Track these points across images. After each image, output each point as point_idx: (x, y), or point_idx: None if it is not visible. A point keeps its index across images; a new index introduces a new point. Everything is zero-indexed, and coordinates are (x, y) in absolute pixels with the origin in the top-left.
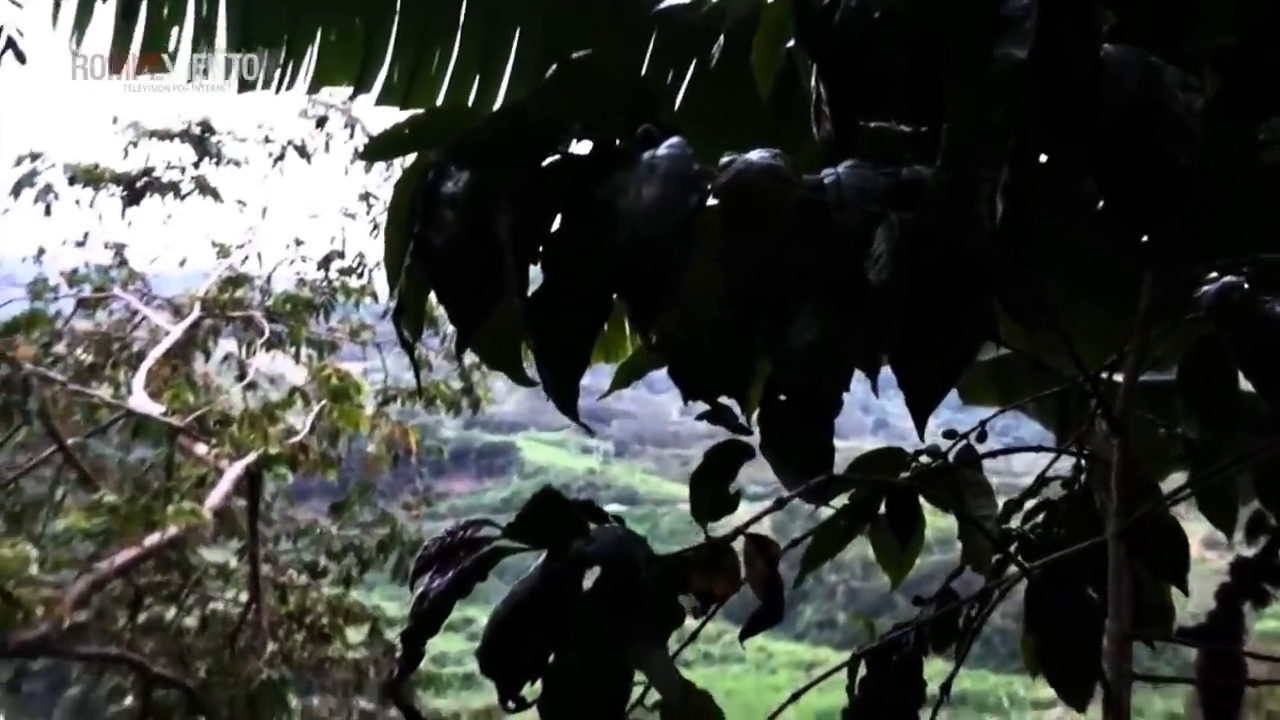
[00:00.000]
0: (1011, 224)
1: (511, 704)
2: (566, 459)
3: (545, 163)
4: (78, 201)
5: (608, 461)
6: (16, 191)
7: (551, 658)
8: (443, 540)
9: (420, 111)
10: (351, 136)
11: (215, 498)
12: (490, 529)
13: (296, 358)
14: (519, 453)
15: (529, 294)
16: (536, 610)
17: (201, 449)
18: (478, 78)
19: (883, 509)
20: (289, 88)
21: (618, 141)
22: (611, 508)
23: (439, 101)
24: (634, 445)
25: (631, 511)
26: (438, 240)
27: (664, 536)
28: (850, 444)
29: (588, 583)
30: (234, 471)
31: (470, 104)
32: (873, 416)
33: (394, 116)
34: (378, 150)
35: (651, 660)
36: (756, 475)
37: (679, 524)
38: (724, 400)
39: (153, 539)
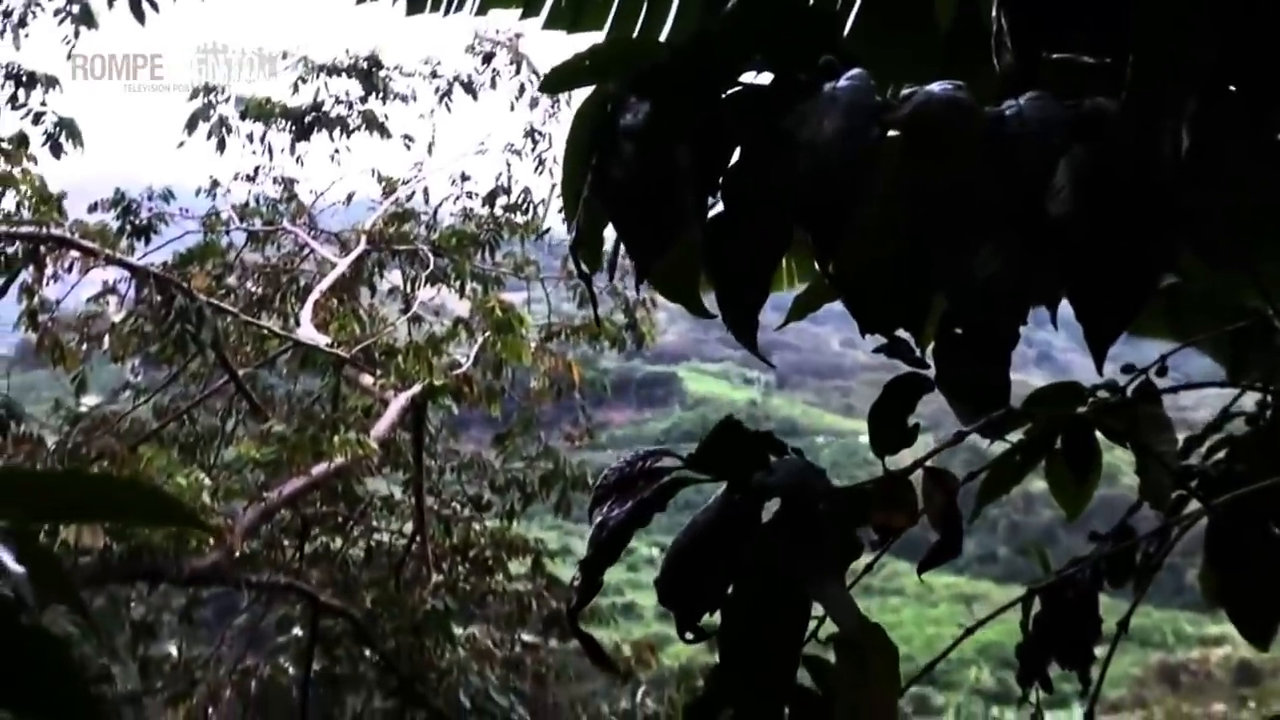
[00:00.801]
0: (1199, 158)
1: (690, 634)
2: (728, 390)
3: (726, 94)
4: (249, 136)
5: (769, 393)
6: (192, 125)
7: (730, 589)
8: (622, 470)
9: (600, 42)
10: (517, 72)
11: (380, 428)
12: (670, 459)
13: (461, 291)
14: (680, 383)
15: (708, 226)
16: (717, 541)
17: (367, 380)
18: (646, 2)
19: (1059, 443)
20: (457, 9)
21: (799, 73)
22: None
23: (607, 27)
24: (794, 377)
25: (791, 442)
26: (617, 172)
27: (825, 469)
28: (1016, 377)
29: (767, 515)
30: (399, 402)
31: (638, 30)
32: (1035, 349)
33: (562, 50)
34: (557, 81)
35: (830, 593)
36: (922, 408)
37: (839, 456)
38: (900, 334)
39: (320, 469)
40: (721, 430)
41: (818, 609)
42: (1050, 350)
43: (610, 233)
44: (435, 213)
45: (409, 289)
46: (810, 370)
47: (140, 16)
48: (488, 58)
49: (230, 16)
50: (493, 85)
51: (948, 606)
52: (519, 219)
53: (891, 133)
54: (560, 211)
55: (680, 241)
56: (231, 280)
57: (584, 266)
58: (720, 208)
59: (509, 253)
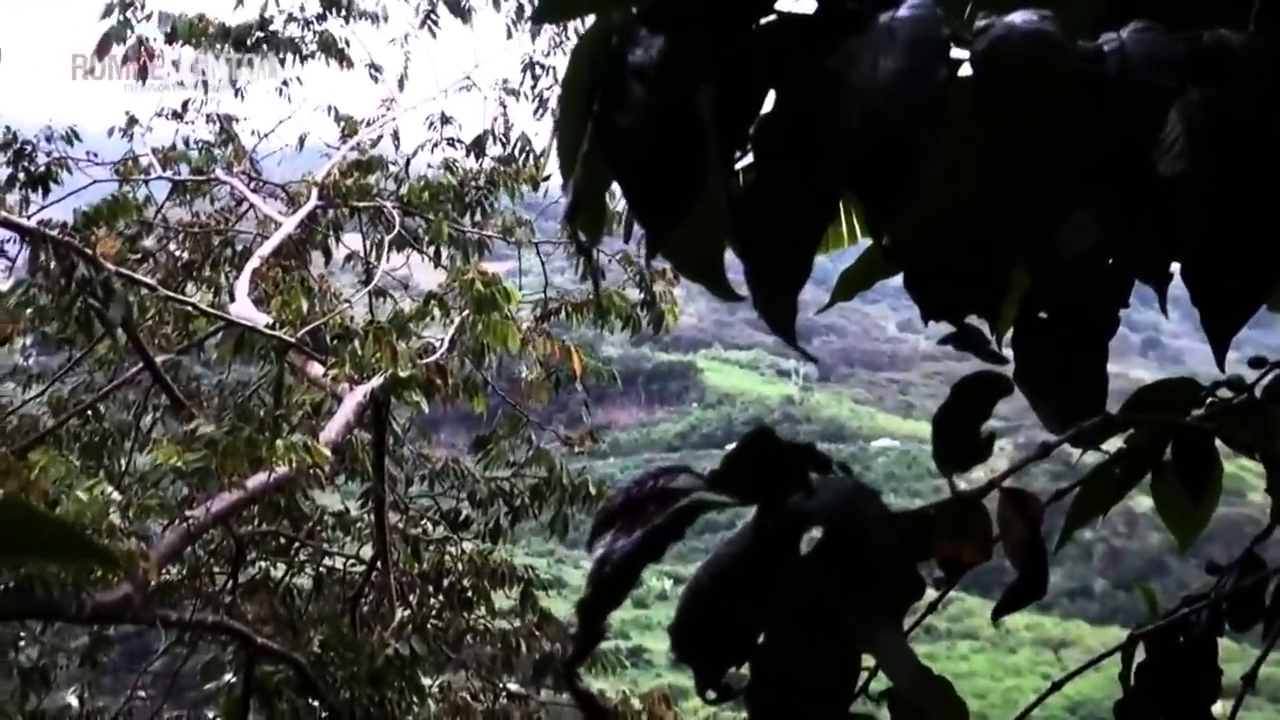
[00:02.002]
0: None
1: (712, 693)
2: (757, 384)
3: (758, 24)
4: (176, 63)
5: (808, 387)
6: (104, 49)
7: (762, 637)
8: (628, 491)
9: None
10: None
11: (333, 430)
12: (687, 478)
13: (436, 260)
14: (699, 375)
15: (736, 188)
16: (746, 578)
17: (317, 370)
18: None
19: (1168, 454)
20: None
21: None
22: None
23: None
24: (840, 367)
25: (838, 450)
26: (624, 121)
27: (878, 482)
28: (1115, 368)
29: (806, 546)
30: (355, 398)
31: None
32: (1140, 335)
33: None
34: (552, 7)
35: (883, 641)
36: (996, 408)
37: (896, 467)
38: (972, 320)
39: (257, 480)
40: (751, 442)
41: (869, 659)
42: (1159, 335)
43: (617, 195)
44: (408, 163)
45: (371, 256)
46: (861, 360)
47: None
48: None
49: None
50: (495, 4)
51: (1030, 653)
52: (511, 170)
53: (963, 73)
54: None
55: (701, 206)
56: (150, 242)
57: (583, 236)
58: (751, 165)
59: (497, 211)
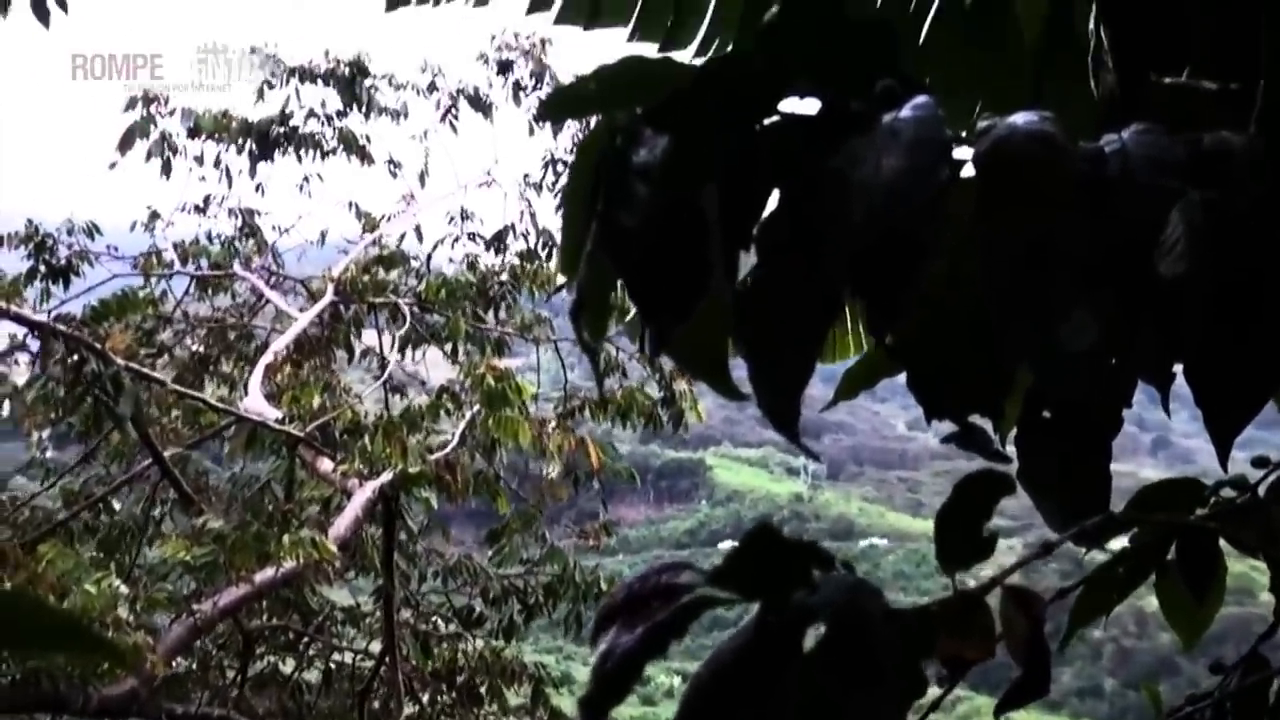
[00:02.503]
0: None
1: None
2: (766, 482)
3: (762, 125)
4: (199, 158)
5: (818, 486)
6: (127, 143)
7: None
8: (631, 588)
9: (609, 61)
10: (538, 85)
11: (342, 525)
12: (690, 575)
13: (454, 356)
14: (708, 473)
15: (740, 287)
16: (749, 674)
17: (327, 465)
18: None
19: (1172, 553)
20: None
21: (852, 101)
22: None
23: (629, 27)
24: (850, 466)
25: (847, 548)
26: (628, 220)
27: (886, 581)
28: (1124, 467)
29: (810, 643)
30: (365, 493)
31: (666, 31)
32: (1151, 434)
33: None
34: (559, 107)
35: None
36: (1002, 505)
37: (904, 564)
38: (976, 419)
39: (266, 575)
40: (754, 538)
41: None
42: (1168, 435)
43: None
44: (429, 258)
45: (390, 351)
46: (869, 458)
47: (44, 18)
48: (504, 67)
49: (238, 14)
50: (515, 99)
51: None
52: (533, 267)
53: (965, 173)
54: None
55: (705, 305)
56: (166, 336)
57: (587, 335)
58: (754, 264)
59: (517, 307)
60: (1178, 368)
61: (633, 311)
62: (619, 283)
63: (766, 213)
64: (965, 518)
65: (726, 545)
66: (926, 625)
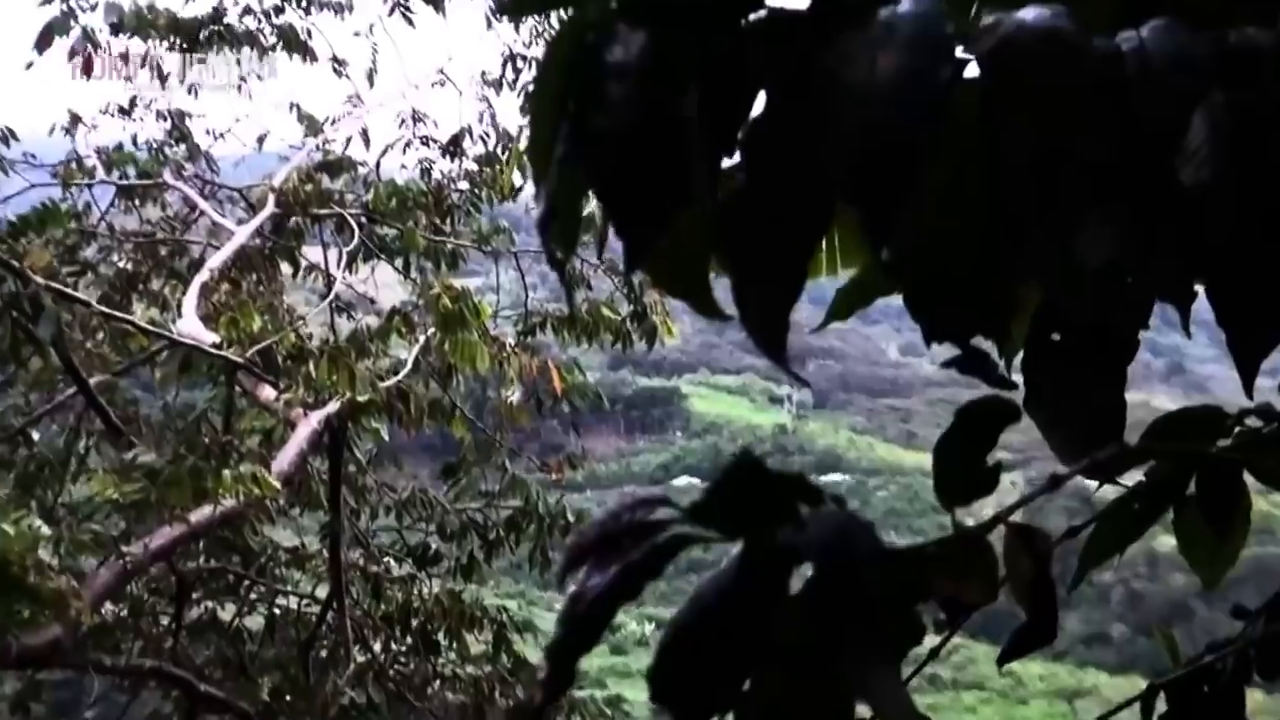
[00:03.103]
0: None
1: None
2: (747, 411)
3: (748, 20)
4: (124, 56)
5: (803, 415)
6: (45, 41)
7: (747, 684)
8: (603, 525)
9: None
10: None
11: (285, 459)
12: (667, 510)
13: (405, 271)
14: (683, 402)
15: (723, 197)
16: (730, 618)
17: (269, 393)
18: None
19: (1192, 488)
20: None
21: None
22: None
23: None
24: (838, 394)
25: (834, 482)
26: (602, 124)
27: (877, 517)
28: (1135, 396)
29: (796, 585)
30: (310, 424)
31: None
32: (1163, 359)
33: None
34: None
35: (880, 688)
36: (1005, 437)
37: (898, 500)
38: (979, 342)
39: (203, 513)
40: (736, 471)
41: (864, 709)
42: (1183, 360)
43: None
44: (378, 164)
45: (337, 267)
46: (859, 385)
47: None
48: None
49: None
50: None
51: (1042, 704)
52: (492, 173)
53: (969, 74)
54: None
55: (684, 218)
56: (91, 253)
57: (556, 250)
58: (739, 173)
59: (474, 218)
60: (1199, 286)
61: (600, 222)
62: (591, 192)
63: (752, 116)
64: (966, 448)
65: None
66: (923, 566)
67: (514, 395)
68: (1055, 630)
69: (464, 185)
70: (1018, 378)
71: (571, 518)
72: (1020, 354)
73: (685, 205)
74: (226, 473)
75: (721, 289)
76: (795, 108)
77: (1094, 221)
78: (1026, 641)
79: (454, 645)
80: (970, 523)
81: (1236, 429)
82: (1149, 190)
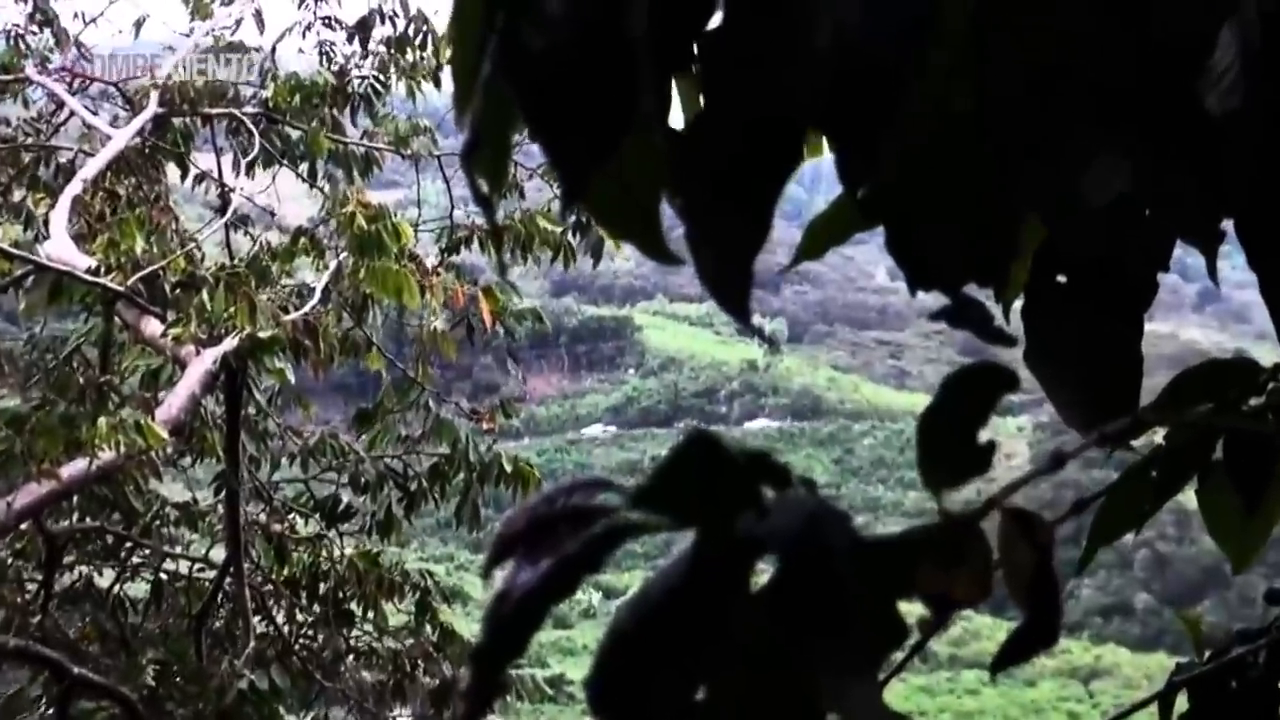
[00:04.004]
0: None
1: None
2: (711, 345)
3: None
4: None
5: (776, 350)
6: None
7: (701, 695)
8: (534, 512)
9: None
10: None
11: (174, 405)
12: (609, 495)
13: (311, 179)
14: (637, 334)
15: (674, 127)
16: (681, 620)
17: (154, 327)
18: None
19: (1219, 452)
20: None
21: None
22: (778, 425)
23: None
24: (817, 325)
25: (814, 428)
26: (535, 40)
27: (863, 469)
28: (1163, 327)
29: (758, 581)
30: (203, 364)
31: None
32: (1196, 285)
33: None
34: None
35: (855, 697)
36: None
37: (886, 449)
38: (972, 289)
39: (77, 466)
40: (688, 449)
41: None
42: (1217, 286)
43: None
44: (274, 50)
45: (232, 177)
46: (842, 316)
47: None
48: None
49: None
50: None
51: (1053, 685)
52: (406, 59)
53: None
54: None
55: (631, 147)
56: None
57: (483, 183)
58: (696, 95)
59: (389, 118)
60: (1227, 224)
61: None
62: (522, 118)
63: (708, 29)
64: (956, 423)
65: (670, 430)
66: (907, 558)
67: (437, 321)
68: (1057, 631)
69: (370, 70)
70: (1018, 328)
71: (507, 466)
72: (1020, 301)
73: (629, 132)
74: (104, 420)
75: (674, 226)
76: (759, 21)
77: (1102, 150)
78: (1024, 646)
79: (370, 615)
80: (959, 505)
81: (1270, 384)
82: (1168, 116)
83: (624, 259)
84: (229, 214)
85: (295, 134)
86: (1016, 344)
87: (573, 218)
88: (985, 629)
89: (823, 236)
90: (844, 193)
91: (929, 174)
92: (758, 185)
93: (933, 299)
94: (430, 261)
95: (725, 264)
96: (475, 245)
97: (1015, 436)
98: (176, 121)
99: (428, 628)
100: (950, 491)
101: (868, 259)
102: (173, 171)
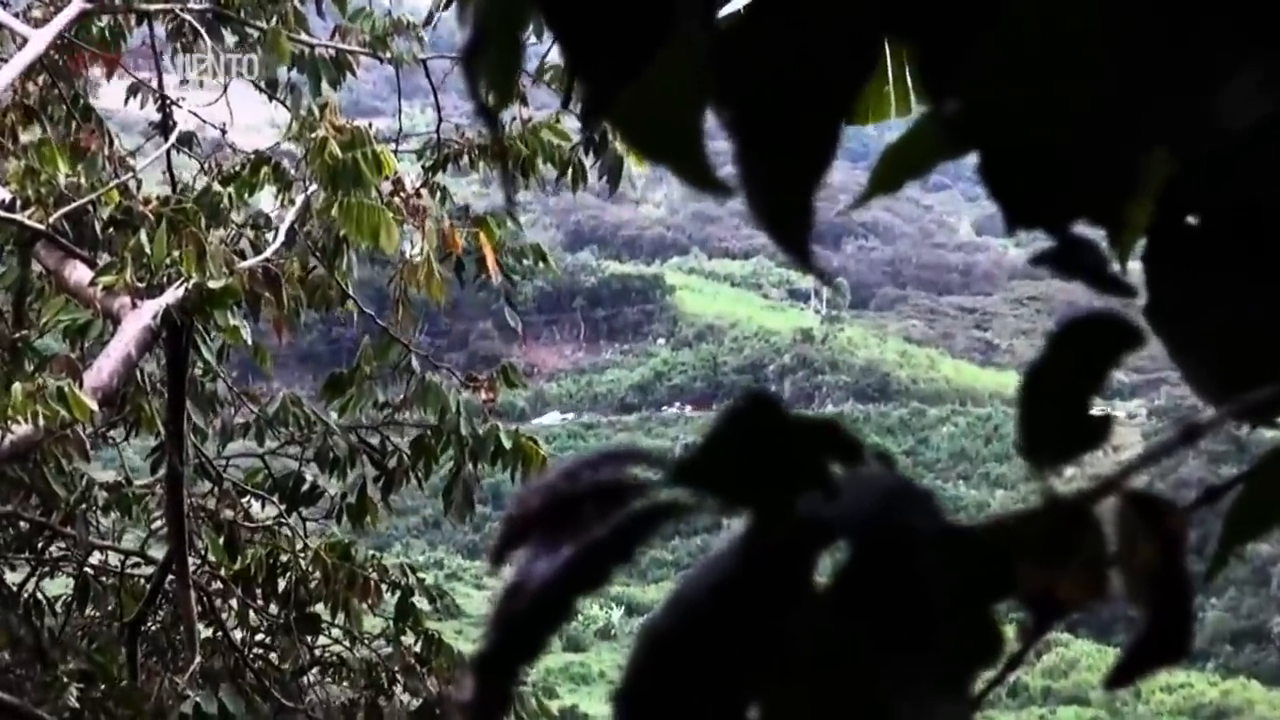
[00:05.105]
0: None
1: None
2: (757, 310)
3: None
4: None
5: (836, 316)
6: None
7: (754, 711)
8: (554, 489)
9: None
10: None
11: (105, 369)
12: (645, 468)
13: (271, 92)
14: (668, 297)
15: (722, 28)
16: (731, 623)
17: (82, 274)
18: None
19: None
20: None
21: None
22: (838, 409)
23: None
24: (885, 288)
25: (881, 413)
26: None
27: (941, 462)
28: None
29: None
30: (141, 319)
31: None
32: None
33: None
34: None
35: (940, 717)
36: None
37: (967, 438)
38: (1081, 228)
39: None
40: (741, 414)
41: None
42: None
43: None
44: None
45: (174, 88)
46: (916, 277)
47: None
48: None
49: None
50: None
51: None
52: None
53: None
54: None
55: (668, 52)
56: None
57: (487, 94)
58: None
59: (364, 14)
60: None
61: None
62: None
63: None
64: (1065, 385)
65: (708, 412)
66: (1004, 549)
67: (417, 252)
68: (1189, 640)
69: None
70: (1137, 278)
71: (506, 441)
72: (1141, 246)
73: (665, 39)
74: (18, 386)
75: (720, 149)
76: None
77: (1241, 65)
78: (1148, 656)
79: (339, 619)
80: (1068, 486)
81: None
82: None
83: (654, 206)
84: (171, 141)
85: (251, 34)
86: (1135, 296)
87: (584, 135)
88: (1086, 657)
89: (899, 166)
90: (926, 111)
91: (1032, 90)
92: (822, 99)
93: (1024, 257)
94: (410, 181)
95: (781, 195)
96: (467, 166)
97: (1126, 425)
98: (106, 22)
99: (409, 635)
100: (1056, 472)
101: (948, 207)
102: (113, 94)
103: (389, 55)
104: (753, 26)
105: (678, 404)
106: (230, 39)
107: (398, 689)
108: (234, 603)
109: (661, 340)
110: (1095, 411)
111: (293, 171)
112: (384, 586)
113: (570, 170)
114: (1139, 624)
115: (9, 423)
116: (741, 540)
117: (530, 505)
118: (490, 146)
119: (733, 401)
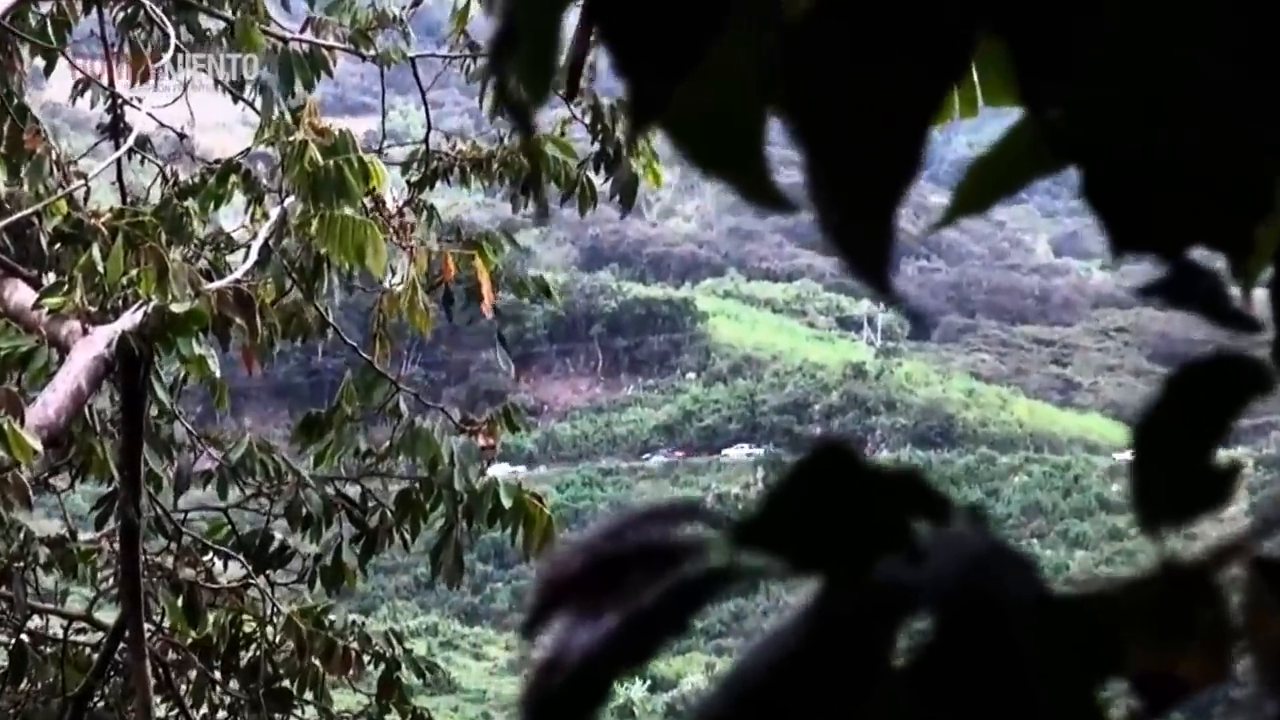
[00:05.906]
0: None
1: None
2: (802, 340)
3: None
4: None
5: (893, 348)
6: None
7: None
8: (594, 549)
9: None
10: None
11: (51, 404)
12: (699, 526)
13: (237, 94)
14: (701, 324)
15: (790, 24)
16: (799, 702)
17: (23, 296)
18: None
19: None
20: None
21: None
22: (895, 455)
23: None
24: (950, 315)
25: (944, 460)
26: None
27: (1013, 517)
28: None
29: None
30: (93, 348)
31: None
32: None
33: None
34: None
35: None
36: None
37: (1044, 490)
38: (1197, 254)
39: None
40: (814, 465)
41: None
42: None
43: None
44: None
45: (129, 86)
46: (986, 303)
47: None
48: None
49: None
50: None
51: None
52: None
53: None
54: None
55: (724, 49)
56: None
57: (520, 91)
58: None
59: (336, 2)
60: None
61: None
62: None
63: None
64: (1186, 433)
65: (746, 458)
66: (1111, 623)
67: (398, 281)
68: None
69: None
70: (1262, 311)
71: (505, 497)
72: (1268, 275)
73: (720, 36)
74: None
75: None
76: None
77: None
78: None
79: (313, 696)
80: (1185, 550)
81: None
82: None
83: (683, 219)
84: (129, 145)
85: (216, 25)
86: (1259, 331)
87: (595, 146)
88: None
89: (988, 183)
90: (1019, 120)
91: (1144, 97)
92: (903, 107)
93: (1115, 281)
94: (392, 198)
95: (861, 211)
96: (457, 182)
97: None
98: (47, 8)
99: (394, 714)
100: (1174, 529)
101: (1023, 224)
102: (61, 87)
103: (372, 52)
104: (826, 18)
105: (670, 449)
106: (186, 36)
107: None
108: (194, 675)
109: (691, 374)
110: (1219, 463)
111: (266, 181)
112: (366, 658)
113: (575, 189)
114: (1258, 709)
115: None
116: (811, 609)
117: (568, 568)
118: (518, 152)
119: (804, 455)
